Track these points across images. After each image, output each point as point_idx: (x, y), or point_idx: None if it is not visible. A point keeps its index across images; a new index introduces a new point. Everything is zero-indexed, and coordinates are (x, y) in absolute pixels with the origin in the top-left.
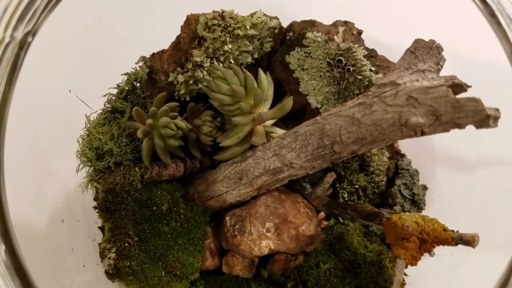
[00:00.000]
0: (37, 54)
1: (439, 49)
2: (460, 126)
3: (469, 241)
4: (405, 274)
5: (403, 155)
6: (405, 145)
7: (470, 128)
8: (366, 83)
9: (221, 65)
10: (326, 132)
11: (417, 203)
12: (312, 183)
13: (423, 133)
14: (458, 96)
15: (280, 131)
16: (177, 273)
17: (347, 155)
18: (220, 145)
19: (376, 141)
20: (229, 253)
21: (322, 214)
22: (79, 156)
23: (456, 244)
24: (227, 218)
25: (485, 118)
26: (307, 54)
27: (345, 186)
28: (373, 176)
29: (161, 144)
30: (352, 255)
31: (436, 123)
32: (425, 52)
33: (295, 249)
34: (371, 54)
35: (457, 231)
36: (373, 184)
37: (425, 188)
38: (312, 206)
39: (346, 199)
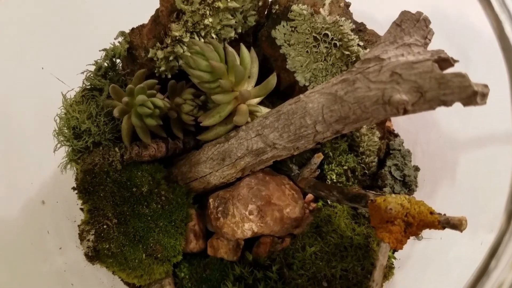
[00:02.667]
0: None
1: (426, 21)
2: (446, 103)
3: (456, 225)
4: (394, 258)
5: (396, 135)
6: (399, 124)
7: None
8: (354, 59)
9: (202, 40)
10: (308, 111)
11: (408, 185)
12: (299, 164)
13: (406, 112)
14: (445, 72)
15: (265, 110)
16: (158, 255)
17: (331, 134)
18: (201, 124)
19: (360, 120)
20: (214, 235)
21: (310, 196)
22: (56, 135)
23: (443, 228)
24: (211, 200)
25: (472, 95)
26: (293, 29)
27: (333, 168)
28: (363, 157)
29: (139, 123)
30: (338, 238)
31: (420, 100)
32: (412, 25)
33: (280, 232)
34: (360, 28)
35: (444, 214)
36: (363, 165)
37: (417, 169)
38: (298, 188)
39: (334, 180)
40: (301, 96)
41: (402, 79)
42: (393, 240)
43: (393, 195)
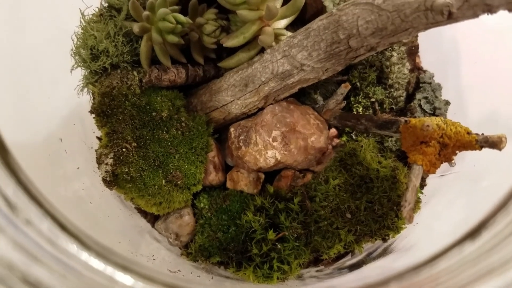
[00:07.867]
0: None
1: None
2: (492, 9)
3: (495, 142)
4: (421, 192)
5: (424, 71)
6: (427, 60)
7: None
8: None
9: None
10: (341, 24)
11: None
12: (324, 97)
13: (450, 15)
14: None
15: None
16: (178, 182)
17: (364, 51)
18: (224, 45)
19: (398, 32)
20: (234, 168)
21: (333, 131)
22: (73, 55)
23: (481, 147)
24: (232, 129)
25: None
26: None
27: (360, 100)
28: (391, 90)
29: (159, 39)
30: (364, 170)
31: (464, 5)
32: None
33: (303, 163)
34: None
35: (482, 134)
36: (390, 99)
37: (447, 103)
38: (323, 119)
39: (361, 113)
40: (333, 10)
41: None
42: (427, 162)
43: (427, 117)
